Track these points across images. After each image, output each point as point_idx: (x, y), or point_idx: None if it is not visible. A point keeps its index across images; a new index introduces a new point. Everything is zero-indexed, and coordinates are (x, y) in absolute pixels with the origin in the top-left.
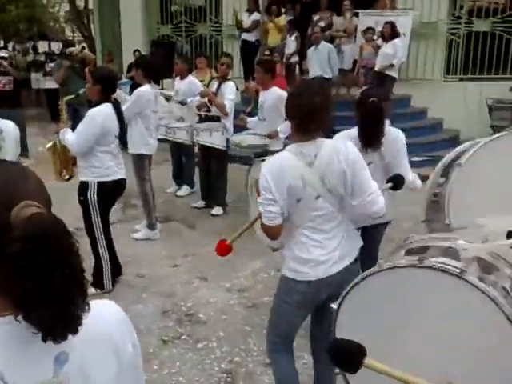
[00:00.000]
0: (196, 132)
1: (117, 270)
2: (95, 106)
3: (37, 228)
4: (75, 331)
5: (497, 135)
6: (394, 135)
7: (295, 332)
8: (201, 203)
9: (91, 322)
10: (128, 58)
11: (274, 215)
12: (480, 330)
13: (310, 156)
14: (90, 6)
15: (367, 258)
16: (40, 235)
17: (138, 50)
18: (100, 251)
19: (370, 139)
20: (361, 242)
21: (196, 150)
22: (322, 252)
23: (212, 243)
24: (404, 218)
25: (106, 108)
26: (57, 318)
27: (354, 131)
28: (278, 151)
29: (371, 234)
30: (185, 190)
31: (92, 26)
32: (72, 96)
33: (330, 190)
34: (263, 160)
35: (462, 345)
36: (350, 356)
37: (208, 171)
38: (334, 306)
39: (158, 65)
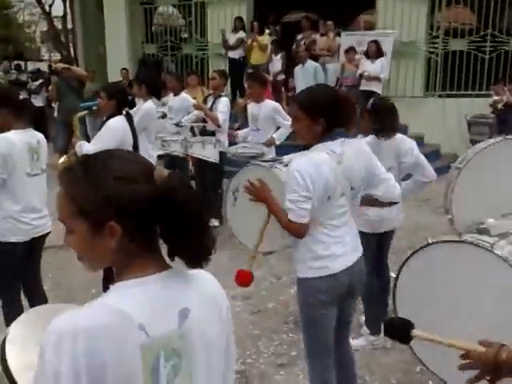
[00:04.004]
0: (189, 144)
1: None
2: (109, 118)
3: (179, 180)
4: (208, 260)
5: (489, 143)
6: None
7: (332, 335)
8: None
9: (203, 286)
10: (113, 77)
11: (305, 212)
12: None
13: (339, 154)
14: (68, 26)
15: (380, 265)
16: (183, 183)
17: (125, 69)
18: None
19: (388, 129)
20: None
21: (190, 164)
22: (340, 246)
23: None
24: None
25: (122, 121)
26: (203, 243)
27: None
28: (272, 159)
29: (385, 239)
30: None
31: (71, 45)
32: (85, 112)
33: (353, 188)
34: (254, 164)
35: (494, 310)
36: (401, 331)
37: (203, 184)
38: (393, 274)
39: (160, 81)
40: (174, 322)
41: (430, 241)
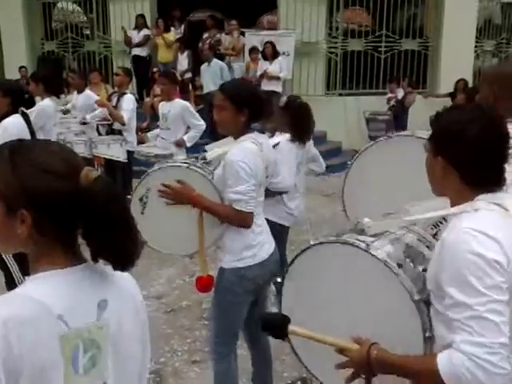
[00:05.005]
0: (94, 144)
1: None
2: (4, 118)
3: (106, 184)
4: (132, 264)
5: (377, 141)
6: None
7: (242, 324)
8: None
9: (121, 282)
10: (11, 76)
11: (254, 201)
12: (384, 299)
13: (261, 145)
14: None
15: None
16: (110, 188)
17: (23, 67)
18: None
19: (306, 133)
20: None
21: (96, 166)
22: (263, 234)
23: None
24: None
25: (18, 119)
26: (128, 247)
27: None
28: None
29: (281, 233)
30: None
31: None
32: None
33: (267, 176)
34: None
35: (369, 310)
36: (277, 327)
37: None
38: (278, 279)
39: (60, 79)
40: (93, 313)
41: (311, 243)
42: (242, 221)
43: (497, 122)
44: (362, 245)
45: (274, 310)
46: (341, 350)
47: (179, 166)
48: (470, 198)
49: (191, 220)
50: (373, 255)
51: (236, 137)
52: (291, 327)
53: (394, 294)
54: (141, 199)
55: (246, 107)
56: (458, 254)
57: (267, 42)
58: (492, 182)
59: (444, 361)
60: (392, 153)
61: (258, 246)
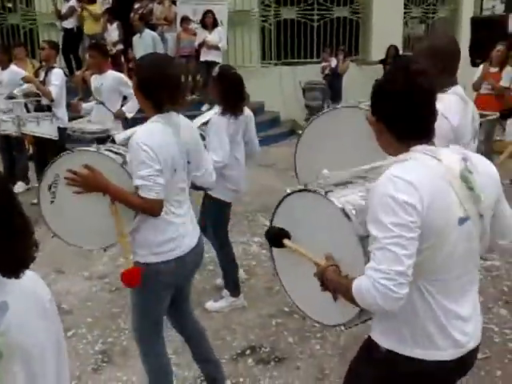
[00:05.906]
0: (22, 122)
1: None
2: None
3: None
4: (22, 271)
5: (324, 111)
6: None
7: (164, 315)
8: None
9: (25, 281)
10: None
11: (160, 188)
12: (340, 238)
13: (177, 127)
14: None
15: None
16: None
17: None
18: None
19: (237, 105)
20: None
21: (27, 145)
22: (184, 226)
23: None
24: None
25: None
26: (18, 251)
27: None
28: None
29: (224, 209)
30: (20, 186)
31: None
32: None
33: (189, 162)
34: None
35: (331, 247)
36: (277, 238)
37: (45, 163)
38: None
39: None
40: None
41: (288, 191)
42: (149, 209)
43: (416, 77)
44: (322, 192)
45: (219, 281)
46: (315, 263)
47: (87, 151)
48: (405, 150)
49: (105, 209)
50: (331, 201)
51: (147, 112)
52: (286, 241)
53: (348, 234)
54: (49, 187)
55: (135, 74)
56: (377, 196)
57: (208, 11)
58: (420, 135)
59: (356, 283)
60: (340, 122)
61: (178, 239)
